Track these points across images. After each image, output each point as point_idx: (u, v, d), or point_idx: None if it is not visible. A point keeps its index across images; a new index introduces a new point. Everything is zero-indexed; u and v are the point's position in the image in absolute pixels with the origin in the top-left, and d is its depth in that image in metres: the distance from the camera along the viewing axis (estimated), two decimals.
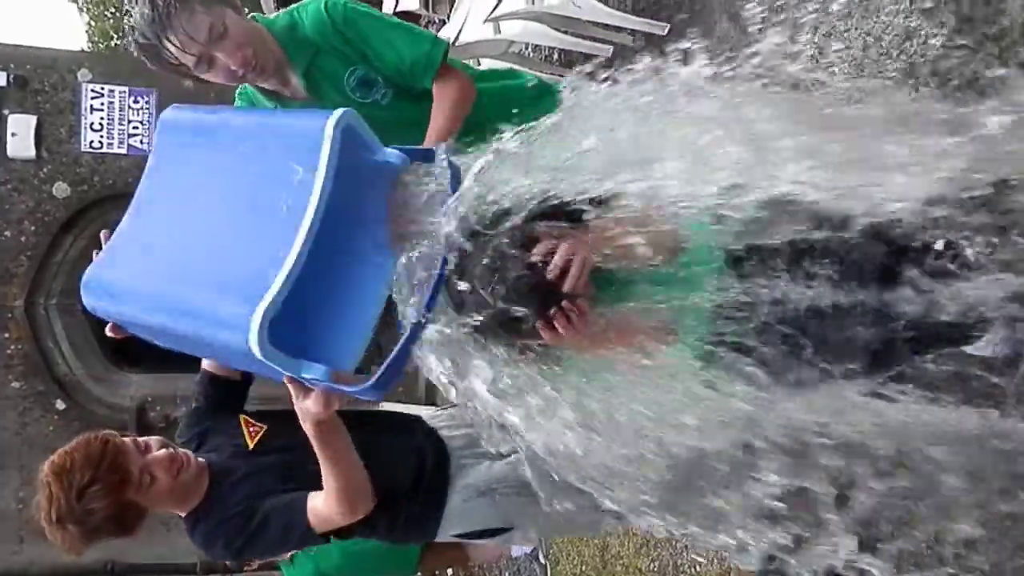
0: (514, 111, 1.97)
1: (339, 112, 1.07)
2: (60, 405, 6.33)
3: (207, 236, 1.13)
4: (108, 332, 1.35)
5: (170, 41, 1.62)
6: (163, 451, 1.62)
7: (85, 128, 6.27)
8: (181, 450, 1.69)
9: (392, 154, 1.13)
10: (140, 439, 1.66)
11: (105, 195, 6.37)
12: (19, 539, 6.27)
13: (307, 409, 1.26)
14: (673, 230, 1.30)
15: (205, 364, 1.52)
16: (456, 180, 1.11)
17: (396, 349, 1.08)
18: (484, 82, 1.97)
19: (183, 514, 1.72)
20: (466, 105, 1.76)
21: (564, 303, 1.19)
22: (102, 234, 1.33)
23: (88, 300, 1.21)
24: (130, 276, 1.18)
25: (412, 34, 1.81)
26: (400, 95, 1.82)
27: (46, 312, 6.33)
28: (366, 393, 1.07)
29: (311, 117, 1.12)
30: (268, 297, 0.96)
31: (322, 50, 1.79)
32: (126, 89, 6.33)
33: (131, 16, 1.65)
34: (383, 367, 1.06)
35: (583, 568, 3.82)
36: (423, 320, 1.09)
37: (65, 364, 6.41)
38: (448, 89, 1.76)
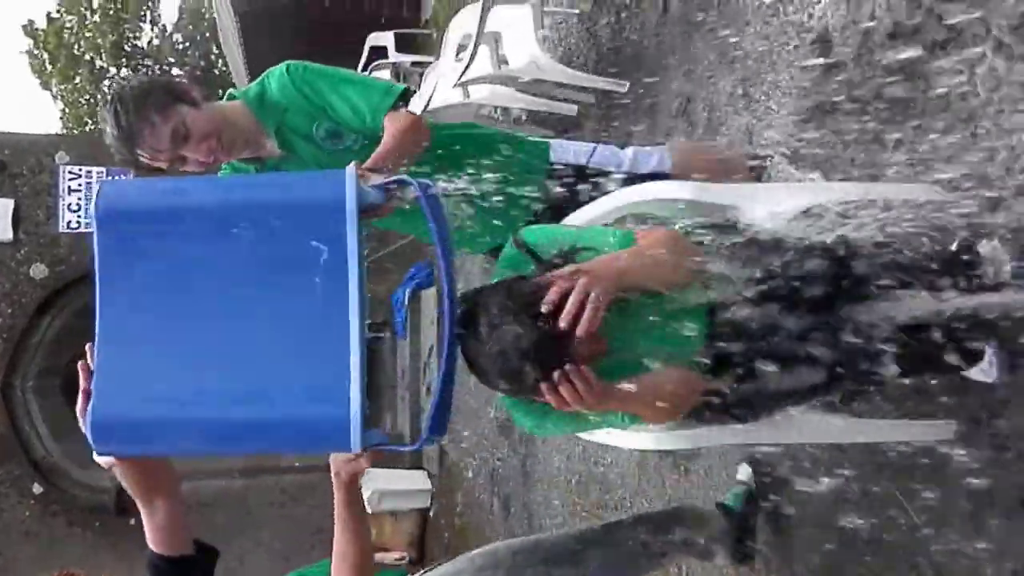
0: (488, 150, 2.09)
1: (346, 180, 1.04)
2: (37, 489, 6.19)
3: (239, 342, 1.02)
4: (103, 463, 1.20)
5: (141, 153, 1.74)
6: None
7: (63, 209, 6.33)
8: None
9: (373, 194, 1.11)
10: None
11: (82, 274, 6.38)
12: None
13: (358, 466, 1.29)
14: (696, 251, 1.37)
15: (153, 546, 1.32)
16: (436, 208, 1.12)
17: (434, 398, 1.11)
18: (457, 129, 2.11)
19: None
20: (412, 134, 1.83)
21: (568, 367, 1.15)
22: (86, 350, 1.12)
23: (106, 447, 1.09)
24: (161, 408, 1.04)
25: (366, 86, 1.93)
26: (371, 138, 1.92)
27: (23, 394, 6.25)
28: (426, 444, 1.14)
29: (312, 186, 1.08)
30: (356, 399, 0.98)
31: (288, 109, 1.92)
32: (103, 169, 6.43)
33: (105, 135, 1.79)
34: (431, 418, 1.11)
35: None
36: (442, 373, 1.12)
37: (43, 447, 6.29)
38: (395, 120, 1.85)
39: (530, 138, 2.27)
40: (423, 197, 1.10)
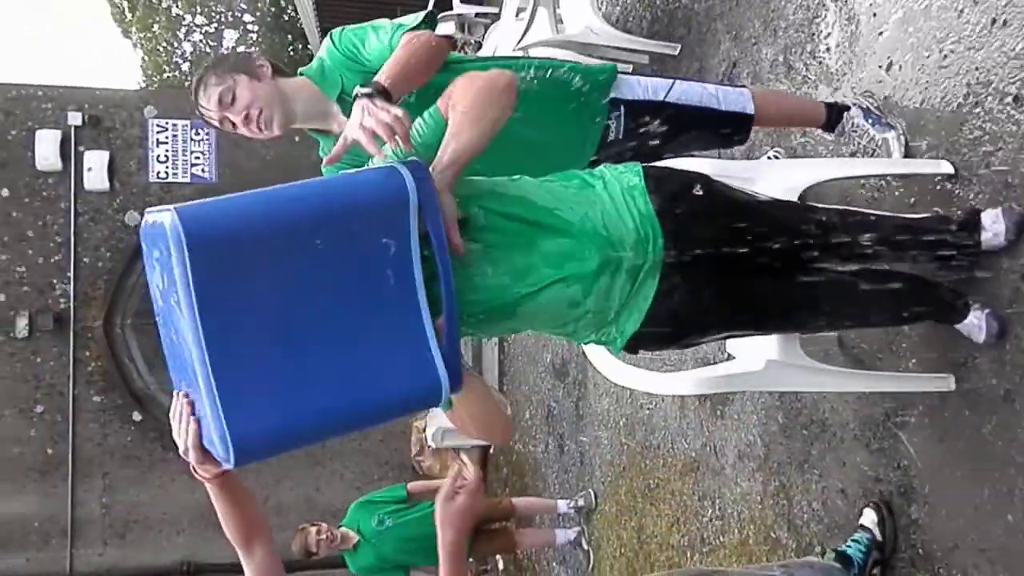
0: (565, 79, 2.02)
1: (406, 175, 1.19)
2: (137, 416, 6.85)
3: (341, 339, 1.14)
4: (204, 475, 1.25)
5: (202, 108, 1.97)
6: None
7: (152, 161, 6.81)
8: None
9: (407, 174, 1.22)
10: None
11: None
12: (103, 542, 6.78)
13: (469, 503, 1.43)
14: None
15: None
16: (429, 196, 1.22)
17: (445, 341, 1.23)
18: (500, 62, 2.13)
19: None
20: (424, 50, 1.80)
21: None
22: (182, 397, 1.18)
23: (247, 460, 1.13)
24: (289, 411, 1.12)
25: (394, 26, 1.94)
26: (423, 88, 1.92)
27: (122, 331, 6.87)
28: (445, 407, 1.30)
29: (378, 183, 1.21)
30: (441, 369, 1.19)
31: (343, 76, 1.99)
32: (188, 123, 6.86)
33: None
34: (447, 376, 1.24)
35: (622, 550, 4.08)
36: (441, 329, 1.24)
37: (140, 379, 6.93)
38: (408, 37, 1.84)
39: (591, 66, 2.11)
40: (414, 182, 1.20)
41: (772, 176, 1.93)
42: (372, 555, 4.00)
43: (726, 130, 2.14)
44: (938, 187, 1.99)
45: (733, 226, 1.54)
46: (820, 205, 1.69)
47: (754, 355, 1.93)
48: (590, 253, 1.41)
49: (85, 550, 6.74)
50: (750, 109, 2.11)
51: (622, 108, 2.04)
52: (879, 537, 2.10)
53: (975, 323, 1.81)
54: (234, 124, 1.94)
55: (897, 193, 2.15)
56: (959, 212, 1.85)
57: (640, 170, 1.53)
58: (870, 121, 2.19)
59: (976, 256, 1.81)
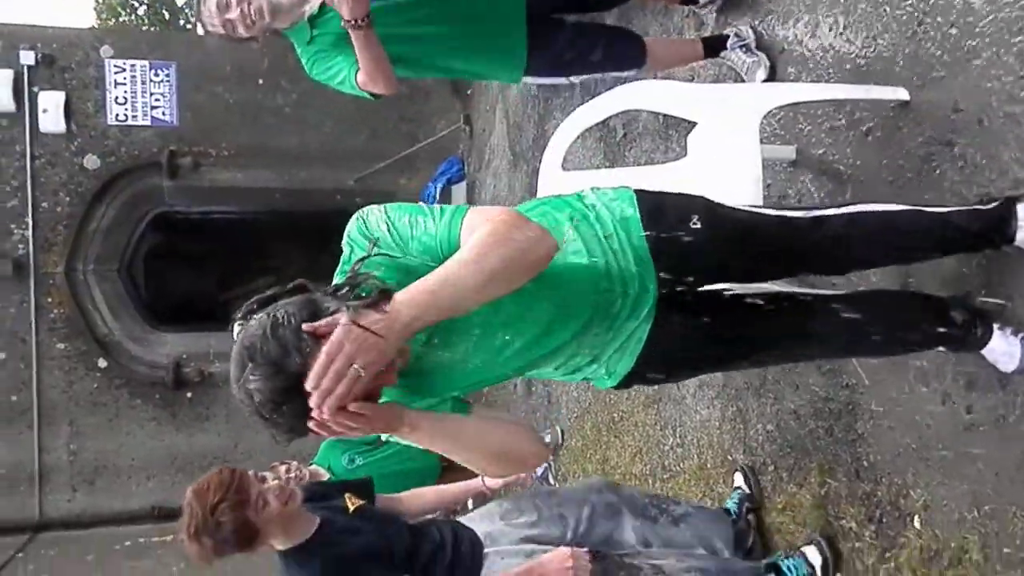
0: None
1: None
2: (102, 363, 6.78)
3: None
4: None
5: (204, 22, 2.13)
6: (275, 482, 1.90)
7: (110, 102, 6.62)
8: (290, 486, 1.94)
9: None
10: (260, 473, 1.94)
11: (132, 165, 6.75)
12: (71, 488, 6.78)
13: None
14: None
15: None
16: None
17: None
18: None
19: (282, 548, 1.92)
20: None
21: (317, 414, 1.04)
22: None
23: None
24: None
25: None
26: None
27: (84, 277, 6.76)
28: None
29: None
30: None
31: None
32: (147, 63, 6.66)
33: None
34: None
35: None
36: None
37: (104, 325, 6.85)
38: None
39: None
40: None
41: (742, 98, 1.96)
42: None
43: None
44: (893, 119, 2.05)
45: (733, 257, 1.42)
46: (829, 212, 1.50)
47: None
48: (585, 300, 1.30)
49: (54, 496, 6.73)
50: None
51: None
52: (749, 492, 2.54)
53: (1004, 348, 1.61)
54: (235, 26, 2.08)
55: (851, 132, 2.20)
56: (987, 201, 1.63)
57: (632, 197, 1.39)
58: (741, 47, 2.61)
59: (997, 252, 1.63)
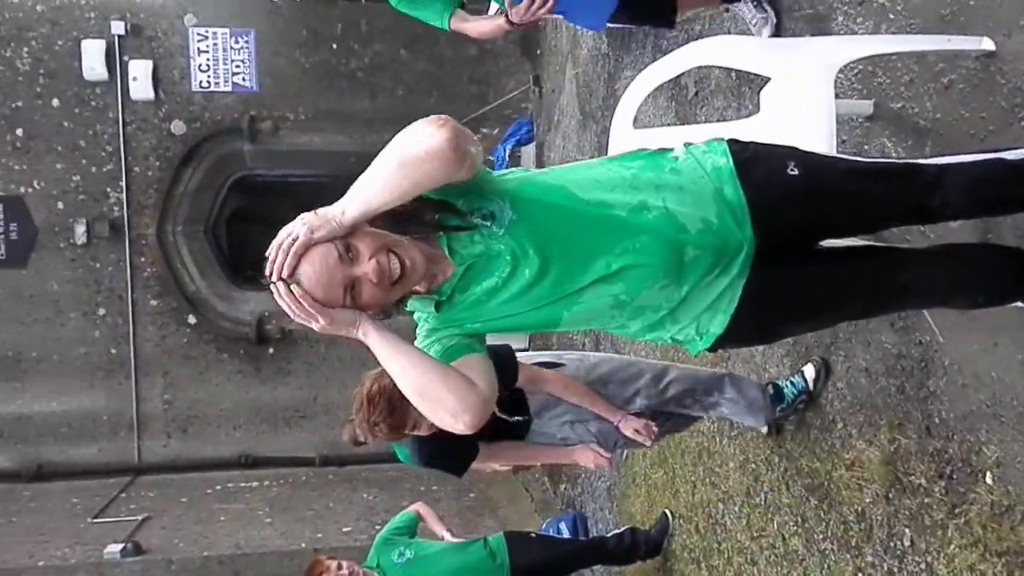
0: None
1: None
2: (192, 319, 7.18)
3: None
4: None
5: None
6: None
7: (194, 69, 6.89)
8: None
9: None
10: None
11: (215, 131, 7.04)
12: (167, 435, 7.25)
13: None
14: None
15: None
16: None
17: None
18: None
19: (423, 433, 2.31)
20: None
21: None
22: None
23: None
24: None
25: None
26: None
27: (174, 238, 7.13)
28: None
29: None
30: None
31: None
32: (227, 30, 6.89)
33: None
34: None
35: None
36: None
37: (193, 283, 7.24)
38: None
39: None
40: None
41: (816, 51, 1.94)
42: None
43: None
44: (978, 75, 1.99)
45: (833, 204, 1.39)
46: (923, 161, 1.49)
47: None
48: (648, 248, 1.29)
49: (150, 442, 7.21)
50: None
51: None
52: (811, 388, 2.66)
53: None
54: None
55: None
56: None
57: (727, 149, 1.37)
58: (753, 3, 2.80)
59: None
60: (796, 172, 1.35)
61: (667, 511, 3.91)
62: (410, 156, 1.21)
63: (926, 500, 2.14)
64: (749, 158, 1.37)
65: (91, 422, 7.07)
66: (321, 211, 1.26)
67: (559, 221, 1.29)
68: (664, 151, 1.41)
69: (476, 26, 2.85)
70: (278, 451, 7.32)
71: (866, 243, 1.60)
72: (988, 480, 1.94)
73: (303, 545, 5.60)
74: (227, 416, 7.30)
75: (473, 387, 1.25)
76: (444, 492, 6.27)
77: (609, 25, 3.38)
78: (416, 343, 1.35)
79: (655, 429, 2.60)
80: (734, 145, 1.39)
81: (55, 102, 6.80)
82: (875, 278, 1.48)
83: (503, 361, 2.38)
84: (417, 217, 1.27)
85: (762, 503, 3.05)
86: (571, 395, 2.59)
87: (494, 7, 3.00)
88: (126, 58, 6.78)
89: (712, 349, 1.46)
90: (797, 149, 1.41)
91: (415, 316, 1.40)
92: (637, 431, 2.56)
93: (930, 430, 2.13)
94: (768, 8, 2.81)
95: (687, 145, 1.42)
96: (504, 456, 2.80)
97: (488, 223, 1.27)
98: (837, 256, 1.49)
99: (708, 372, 2.80)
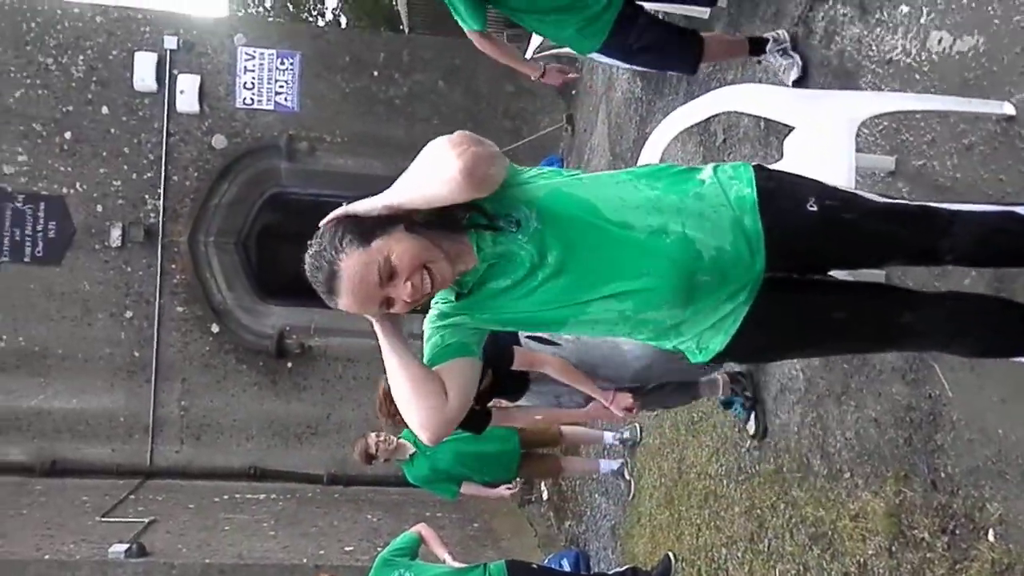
0: None
1: None
2: (215, 328, 7.31)
3: None
4: None
5: None
6: None
7: (239, 87, 7.13)
8: None
9: None
10: None
11: (254, 147, 7.25)
12: (180, 440, 7.34)
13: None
14: None
15: None
16: None
17: None
18: None
19: None
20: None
21: None
22: None
23: None
24: None
25: None
26: None
27: (205, 248, 7.30)
28: None
29: None
30: None
31: None
32: (274, 51, 7.13)
33: None
34: None
35: (663, 479, 4.27)
36: None
37: (219, 294, 7.38)
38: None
39: None
40: None
41: (840, 104, 2.00)
42: (427, 466, 4.27)
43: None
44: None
45: (846, 243, 1.43)
46: (938, 205, 1.51)
47: None
48: (662, 272, 1.33)
49: (163, 447, 7.30)
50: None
51: None
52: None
53: None
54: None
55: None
56: None
57: (752, 178, 1.40)
58: (779, 51, 2.97)
59: None
60: (815, 208, 1.38)
61: (670, 553, 3.89)
62: (430, 180, 1.28)
63: (928, 555, 2.14)
64: (773, 188, 1.40)
65: (108, 422, 7.18)
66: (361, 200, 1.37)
67: (583, 235, 1.34)
68: (692, 171, 1.45)
69: (506, 52, 3.05)
70: (287, 466, 7.37)
71: (874, 280, 1.63)
72: (990, 537, 1.94)
73: (304, 560, 5.62)
74: (240, 427, 7.38)
75: (443, 407, 1.34)
76: (448, 519, 6.27)
77: (636, 68, 3.53)
78: (425, 320, 1.43)
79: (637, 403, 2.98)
80: (760, 172, 1.42)
81: (104, 109, 7.05)
82: (878, 314, 1.50)
83: (500, 349, 2.70)
84: (450, 213, 1.33)
85: (765, 550, 3.04)
86: (567, 378, 2.77)
87: (536, 42, 3.17)
88: (175, 72, 7.04)
89: (709, 363, 1.51)
90: (821, 183, 1.46)
91: None
92: (627, 409, 2.91)
93: (935, 484, 2.14)
94: (793, 54, 2.94)
95: (716, 167, 1.45)
96: (519, 419, 3.11)
97: (514, 229, 1.34)
98: (843, 289, 1.54)
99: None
